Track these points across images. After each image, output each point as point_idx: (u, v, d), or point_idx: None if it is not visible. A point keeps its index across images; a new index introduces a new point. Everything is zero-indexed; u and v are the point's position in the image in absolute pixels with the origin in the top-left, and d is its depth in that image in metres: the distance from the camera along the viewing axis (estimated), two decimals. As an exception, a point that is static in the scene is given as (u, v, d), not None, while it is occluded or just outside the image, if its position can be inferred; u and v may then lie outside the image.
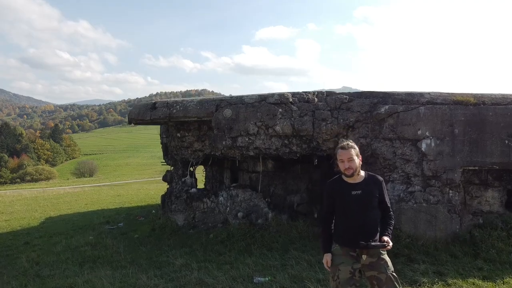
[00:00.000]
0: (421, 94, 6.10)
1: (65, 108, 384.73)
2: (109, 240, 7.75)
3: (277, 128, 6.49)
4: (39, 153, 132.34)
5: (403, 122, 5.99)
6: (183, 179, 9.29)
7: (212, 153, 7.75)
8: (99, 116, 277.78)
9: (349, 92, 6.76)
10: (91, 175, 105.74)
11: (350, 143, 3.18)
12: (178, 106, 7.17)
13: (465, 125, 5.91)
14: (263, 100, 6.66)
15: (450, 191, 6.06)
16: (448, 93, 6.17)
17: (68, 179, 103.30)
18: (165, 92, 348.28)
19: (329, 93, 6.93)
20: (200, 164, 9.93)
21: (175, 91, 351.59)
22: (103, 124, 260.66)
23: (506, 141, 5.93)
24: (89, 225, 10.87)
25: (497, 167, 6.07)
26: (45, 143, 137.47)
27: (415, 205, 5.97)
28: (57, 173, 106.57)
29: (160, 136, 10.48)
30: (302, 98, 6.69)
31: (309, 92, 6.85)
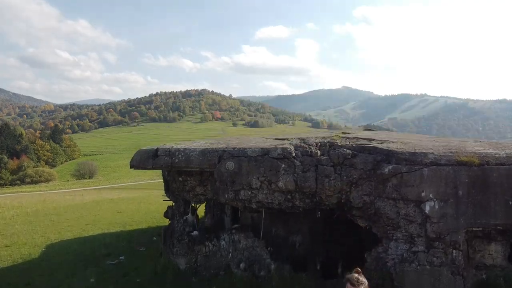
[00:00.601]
0: (424, 154, 6.07)
1: (65, 108, 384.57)
2: (110, 286, 7.73)
3: (280, 184, 6.47)
4: (39, 154, 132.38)
5: (407, 183, 5.96)
6: (184, 217, 9.27)
7: (214, 198, 7.72)
8: (99, 116, 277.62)
9: (352, 146, 6.73)
10: (91, 177, 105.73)
11: (360, 278, 3.12)
12: (180, 156, 7.14)
13: (469, 187, 5.88)
14: (265, 154, 6.63)
15: (454, 251, 6.04)
16: (452, 152, 6.13)
17: (68, 180, 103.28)
18: (165, 92, 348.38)
19: (332, 144, 6.91)
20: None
21: (174, 91, 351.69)
22: (103, 124, 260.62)
23: (510, 202, 5.91)
24: (90, 257, 10.84)
25: (501, 228, 6.06)
26: (45, 144, 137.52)
27: (418, 267, 5.95)
28: (57, 174, 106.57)
29: (162, 170, 10.45)
30: (305, 152, 6.66)
31: (311, 145, 6.82)
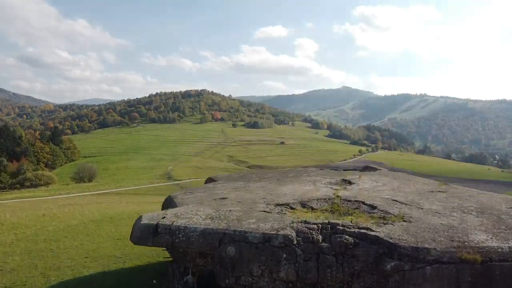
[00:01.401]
0: (427, 250, 6.03)
1: (64, 108, 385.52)
2: None
3: (281, 274, 6.44)
4: (38, 156, 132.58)
5: (409, 282, 5.93)
6: (184, 279, 9.25)
7: (214, 269, 7.69)
8: (98, 117, 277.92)
9: (354, 232, 6.68)
10: (90, 180, 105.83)
11: None
12: (180, 235, 7.12)
13: (471, 285, 5.85)
14: (267, 241, 6.60)
15: None
16: (455, 248, 6.10)
17: (67, 184, 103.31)
18: (165, 92, 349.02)
19: (333, 227, 6.87)
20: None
21: (174, 91, 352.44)
22: (103, 124, 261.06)
23: (513, 300, 5.88)
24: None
25: (504, 326, 6.03)
26: (44, 146, 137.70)
27: None
28: (56, 178, 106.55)
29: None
30: (306, 238, 6.63)
31: (313, 229, 6.79)
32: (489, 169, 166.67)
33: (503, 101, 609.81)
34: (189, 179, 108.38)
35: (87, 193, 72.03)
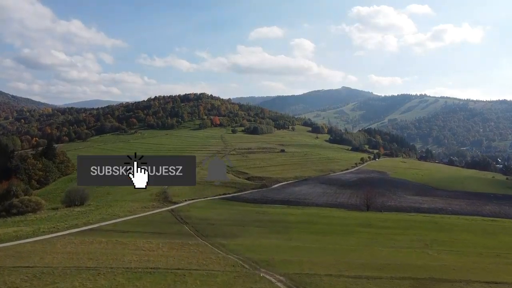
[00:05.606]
0: None
1: (63, 111, 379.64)
2: None
3: None
4: (30, 173, 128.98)
5: None
6: None
7: None
8: (96, 122, 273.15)
9: None
10: (82, 203, 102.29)
11: None
12: None
13: None
14: None
15: None
16: None
17: (57, 209, 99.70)
18: (163, 96, 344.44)
19: None
20: None
21: (173, 93, 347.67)
22: (101, 130, 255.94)
23: None
24: None
25: None
26: (37, 163, 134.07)
27: None
28: (45, 202, 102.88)
29: None
30: None
31: None
32: (493, 176, 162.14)
33: (504, 102, 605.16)
34: (186, 200, 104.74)
35: (73, 230, 67.87)
